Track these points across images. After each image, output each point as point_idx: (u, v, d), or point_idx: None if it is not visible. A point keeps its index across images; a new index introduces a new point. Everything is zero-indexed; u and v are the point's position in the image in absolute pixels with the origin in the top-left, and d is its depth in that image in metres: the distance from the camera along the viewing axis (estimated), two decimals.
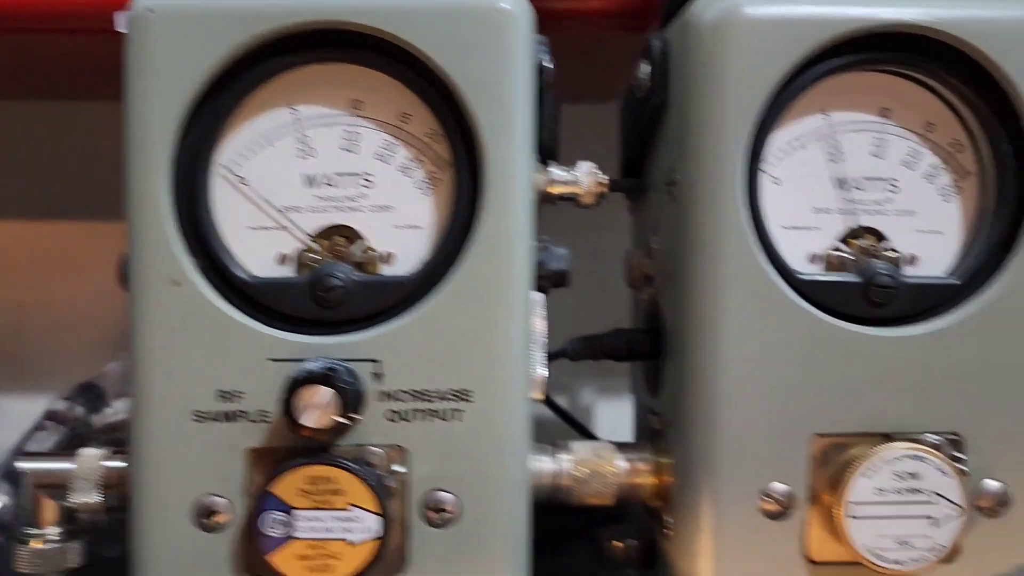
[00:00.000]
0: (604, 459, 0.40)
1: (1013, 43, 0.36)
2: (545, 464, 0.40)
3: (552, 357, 0.44)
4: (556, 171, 0.42)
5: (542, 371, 0.39)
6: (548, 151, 0.43)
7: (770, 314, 0.36)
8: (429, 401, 0.35)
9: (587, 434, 0.52)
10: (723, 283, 0.36)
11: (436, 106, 0.36)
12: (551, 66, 0.41)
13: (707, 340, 0.36)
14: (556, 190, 0.42)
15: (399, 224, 0.36)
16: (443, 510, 0.36)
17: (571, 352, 0.43)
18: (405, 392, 0.35)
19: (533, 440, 0.40)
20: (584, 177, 0.42)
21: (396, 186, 0.36)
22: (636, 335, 0.42)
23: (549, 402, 0.49)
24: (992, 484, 0.37)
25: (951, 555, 0.37)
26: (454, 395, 0.35)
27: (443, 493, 0.36)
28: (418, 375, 0.35)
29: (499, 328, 0.35)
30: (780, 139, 0.37)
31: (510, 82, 0.35)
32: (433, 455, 0.36)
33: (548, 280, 0.41)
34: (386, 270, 0.36)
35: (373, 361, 0.35)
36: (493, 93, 0.35)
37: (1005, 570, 0.37)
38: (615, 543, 0.40)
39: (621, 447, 0.40)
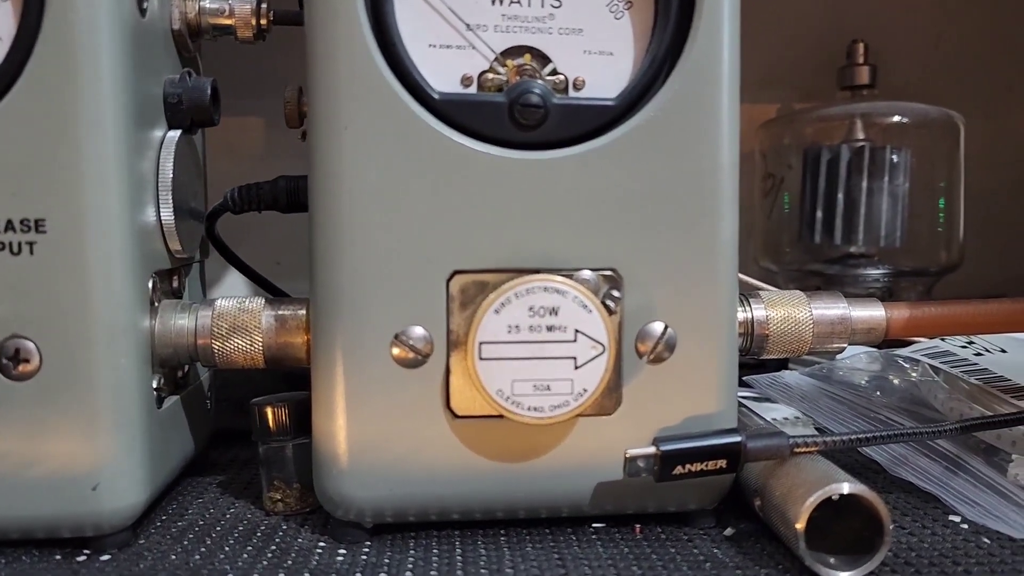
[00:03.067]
0: (249, 313, 0.35)
1: None
2: (183, 321, 0.35)
3: (216, 212, 0.40)
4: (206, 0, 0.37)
5: (167, 216, 0.35)
6: None
7: (400, 137, 0.32)
8: None
9: (279, 294, 0.47)
10: (341, 97, 0.32)
11: None
12: None
13: (329, 163, 0.32)
14: (210, 20, 0.37)
15: None
16: (23, 360, 0.31)
17: (231, 203, 0.38)
18: None
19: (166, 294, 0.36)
20: (238, 5, 0.37)
21: None
22: (298, 182, 0.38)
23: (232, 257, 0.45)
24: (655, 326, 0.33)
25: (611, 404, 0.33)
26: (23, 225, 0.31)
27: (22, 340, 0.31)
28: None
29: (68, 150, 0.30)
30: None
31: None
32: (3, 295, 0.31)
33: (186, 115, 0.36)
34: None
35: None
36: None
37: (673, 420, 0.33)
38: (267, 409, 0.36)
39: (275, 301, 0.36)
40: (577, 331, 0.31)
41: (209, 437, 0.42)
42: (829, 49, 0.64)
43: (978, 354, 0.45)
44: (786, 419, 0.44)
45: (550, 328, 0.31)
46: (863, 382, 0.45)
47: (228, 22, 0.37)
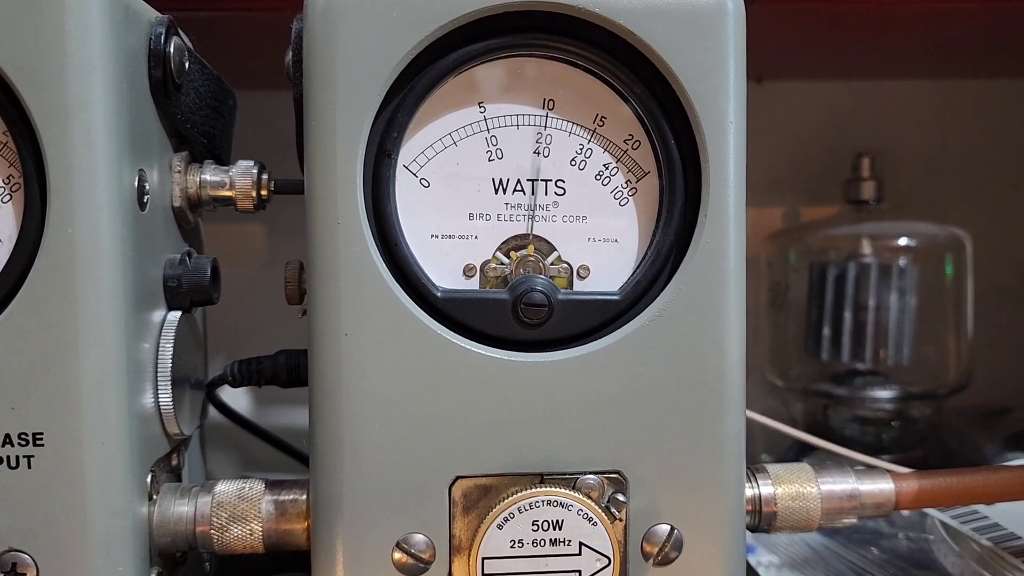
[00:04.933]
0: (248, 501, 0.35)
1: (666, 24, 0.31)
2: (182, 508, 0.35)
3: (215, 383, 0.39)
4: (207, 172, 0.37)
5: (166, 403, 0.34)
6: (208, 147, 0.38)
7: (401, 342, 0.31)
8: None
9: (290, 450, 0.47)
10: (342, 303, 0.31)
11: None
12: (188, 46, 0.36)
13: (328, 369, 0.31)
14: (210, 192, 0.37)
15: None
16: (20, 574, 0.31)
17: (230, 377, 0.38)
18: None
19: (162, 479, 0.35)
20: (239, 178, 0.37)
21: None
22: (299, 358, 0.37)
23: (240, 421, 0.44)
24: (661, 528, 0.32)
25: None
26: (21, 439, 0.30)
27: (19, 553, 0.31)
28: None
29: (69, 359, 0.30)
30: (429, 136, 0.33)
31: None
32: (1, 509, 0.30)
33: (185, 296, 0.36)
34: None
35: None
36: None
37: None
38: None
39: (275, 486, 0.35)
40: (582, 544, 0.31)
41: None
42: (835, 152, 0.63)
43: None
44: (772, 563, 0.44)
45: (554, 542, 0.31)
46: (870, 537, 0.44)
47: (229, 194, 0.37)
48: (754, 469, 0.37)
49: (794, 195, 0.65)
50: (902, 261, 0.56)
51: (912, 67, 0.63)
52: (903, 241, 0.57)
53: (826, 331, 0.56)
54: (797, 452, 0.54)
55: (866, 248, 0.56)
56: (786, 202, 0.65)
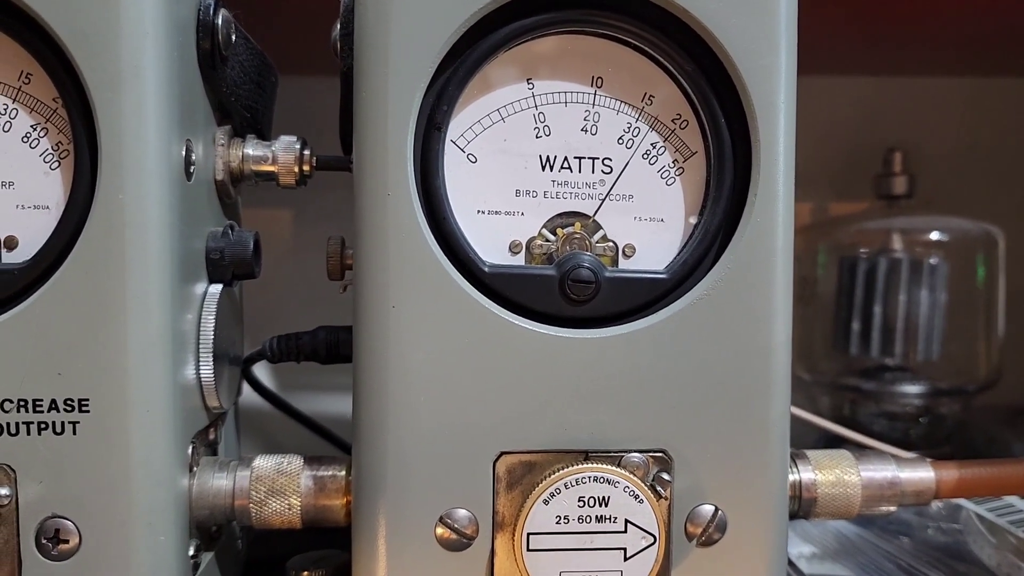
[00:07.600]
0: (287, 475, 0.34)
1: (719, 3, 0.31)
2: (221, 481, 0.34)
3: (253, 359, 0.39)
4: (250, 146, 0.37)
5: (207, 375, 0.34)
6: (250, 122, 0.38)
7: (448, 315, 0.31)
8: (38, 412, 0.30)
9: (341, 444, 0.47)
10: (390, 275, 0.31)
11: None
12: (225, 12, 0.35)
13: (374, 341, 0.31)
14: (252, 167, 0.37)
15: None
16: (63, 540, 0.31)
17: (269, 353, 0.38)
18: (9, 401, 0.30)
19: (203, 453, 0.35)
20: (281, 153, 0.37)
21: None
22: (339, 334, 0.37)
23: (276, 401, 0.44)
24: (706, 509, 0.32)
25: None
26: (67, 405, 0.30)
27: (62, 520, 0.30)
28: (23, 382, 0.30)
29: (116, 326, 0.30)
30: (477, 111, 0.32)
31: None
32: (45, 475, 0.30)
33: (227, 269, 0.36)
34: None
35: None
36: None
37: None
38: (305, 573, 0.35)
39: (314, 461, 0.35)
40: (628, 522, 0.31)
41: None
42: (862, 148, 0.63)
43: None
44: (801, 555, 0.44)
45: (600, 519, 0.31)
46: (902, 528, 0.44)
47: (271, 169, 0.37)
48: (794, 455, 0.37)
49: (822, 190, 0.65)
50: (933, 257, 0.55)
51: (942, 63, 0.63)
52: (935, 236, 0.56)
53: (855, 326, 0.56)
54: (824, 447, 0.54)
55: (897, 243, 0.56)
56: (814, 197, 0.65)
